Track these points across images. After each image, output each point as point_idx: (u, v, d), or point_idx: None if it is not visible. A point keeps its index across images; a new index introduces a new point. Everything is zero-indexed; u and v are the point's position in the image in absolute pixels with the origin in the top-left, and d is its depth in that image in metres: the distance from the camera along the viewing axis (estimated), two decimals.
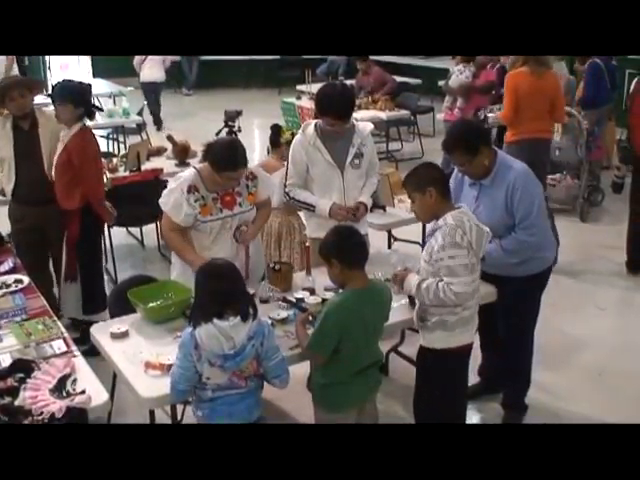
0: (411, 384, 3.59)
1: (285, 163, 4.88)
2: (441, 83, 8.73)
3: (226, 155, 3.66)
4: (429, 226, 3.39)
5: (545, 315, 4.07)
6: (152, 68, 10.93)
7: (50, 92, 4.59)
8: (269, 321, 3.40)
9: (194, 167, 3.87)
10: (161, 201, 3.81)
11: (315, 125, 4.14)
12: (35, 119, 4.65)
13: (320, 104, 4.07)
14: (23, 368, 2.95)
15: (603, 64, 7.86)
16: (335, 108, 3.98)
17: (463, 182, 3.84)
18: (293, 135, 4.99)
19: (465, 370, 3.54)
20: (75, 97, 4.45)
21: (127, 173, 5.95)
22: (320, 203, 4.15)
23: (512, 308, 3.83)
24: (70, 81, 4.64)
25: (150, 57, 10.69)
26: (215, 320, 2.81)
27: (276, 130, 5.09)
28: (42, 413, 2.66)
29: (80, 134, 4.48)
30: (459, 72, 8.10)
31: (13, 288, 3.78)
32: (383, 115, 8.97)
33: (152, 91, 11.11)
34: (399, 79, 10.84)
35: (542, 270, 3.83)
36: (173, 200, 3.74)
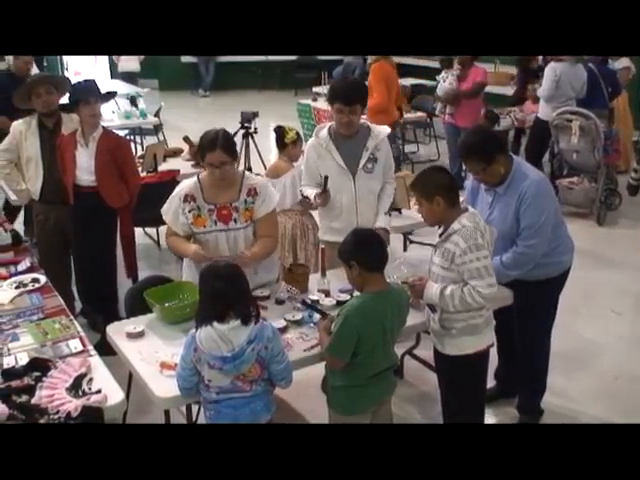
0: (426, 387, 3.59)
1: (294, 164, 4.92)
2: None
3: (207, 138, 3.63)
4: (441, 231, 3.36)
5: (561, 319, 4.04)
6: (129, 60, 12.99)
7: (77, 91, 4.59)
8: (284, 322, 3.41)
9: (197, 175, 3.82)
10: (163, 210, 3.79)
11: (329, 128, 4.14)
12: (60, 118, 4.69)
13: (330, 93, 4.11)
14: (39, 367, 2.97)
15: (596, 68, 7.86)
16: (342, 93, 3.98)
17: (480, 186, 3.82)
18: (298, 134, 5.02)
19: (487, 371, 3.54)
20: (101, 96, 4.52)
21: (144, 174, 5.98)
22: (310, 193, 4.19)
23: (528, 311, 3.82)
24: (93, 80, 4.68)
25: None
26: (215, 323, 2.81)
27: (279, 132, 5.09)
28: (58, 412, 2.68)
29: (109, 133, 4.55)
30: (443, 79, 8.10)
31: (30, 287, 3.80)
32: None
33: (129, 79, 12.37)
34: (415, 81, 10.83)
35: (559, 274, 3.81)
36: (172, 209, 3.73)
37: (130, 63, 13.09)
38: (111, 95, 4.85)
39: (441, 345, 3.41)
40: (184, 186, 3.75)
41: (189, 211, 3.68)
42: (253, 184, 3.76)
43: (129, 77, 12.75)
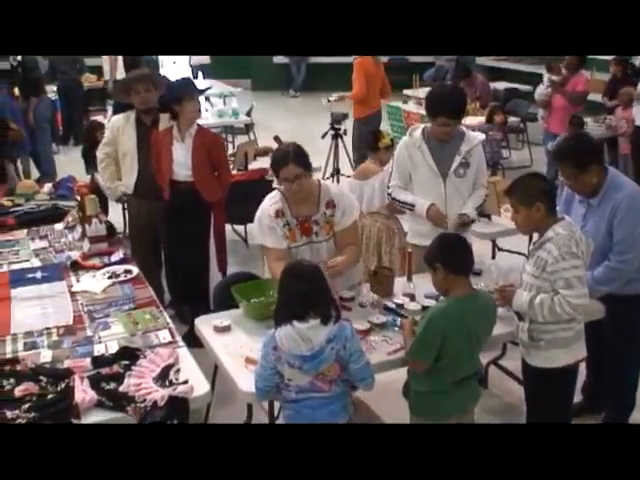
0: (510, 399, 3.51)
1: (384, 168, 4.89)
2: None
3: (279, 153, 3.64)
4: (535, 239, 3.28)
5: None
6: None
7: (179, 88, 4.71)
8: (368, 325, 3.39)
9: (279, 189, 3.76)
10: (254, 235, 3.77)
11: (423, 129, 4.10)
12: (157, 115, 4.82)
13: (431, 104, 4.00)
14: (129, 356, 3.05)
15: None
16: (447, 107, 3.91)
17: (574, 196, 3.72)
18: (392, 141, 4.99)
19: (575, 386, 3.45)
20: (199, 92, 4.65)
21: (234, 172, 6.08)
22: (419, 202, 4.10)
23: (621, 326, 3.68)
24: (189, 78, 4.81)
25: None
26: (294, 322, 2.81)
27: (374, 135, 5.07)
28: (145, 400, 2.74)
29: (204, 130, 4.65)
30: (543, 83, 7.96)
31: (122, 278, 3.92)
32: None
33: (201, 72, 12.04)
34: (509, 85, 10.63)
35: None
36: (266, 228, 3.66)
37: (201, 56, 12.90)
38: (204, 91, 4.95)
39: (529, 356, 3.33)
40: (268, 204, 3.71)
41: (283, 226, 3.66)
42: (331, 196, 3.72)
43: (200, 70, 12.97)
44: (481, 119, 8.57)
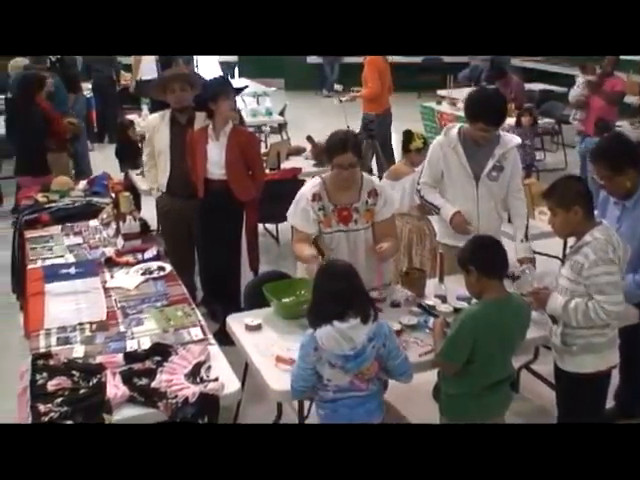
0: (542, 404, 3.47)
1: (415, 169, 4.86)
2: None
3: (336, 139, 3.64)
4: (572, 242, 3.24)
5: None
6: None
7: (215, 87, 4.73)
8: (399, 326, 3.38)
9: (320, 176, 3.84)
10: (289, 214, 3.80)
11: (459, 129, 4.06)
12: (192, 114, 4.85)
13: (471, 110, 3.96)
14: (161, 352, 3.07)
15: None
16: (487, 114, 3.87)
17: (609, 198, 3.67)
18: (424, 142, 4.95)
19: (607, 392, 3.40)
20: (238, 92, 4.66)
21: (267, 171, 6.09)
22: (445, 207, 4.08)
23: None
24: (224, 76, 4.82)
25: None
26: (335, 322, 2.80)
27: (407, 136, 5.05)
28: (176, 397, 2.76)
29: (239, 129, 4.66)
30: (578, 84, 7.85)
31: (155, 275, 3.95)
32: (526, 122, 8.69)
33: (228, 69, 12.60)
34: (544, 87, 10.52)
35: None
36: (300, 210, 3.72)
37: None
38: (240, 90, 4.96)
39: (561, 360, 3.30)
40: (309, 187, 3.77)
41: (318, 210, 3.70)
42: (373, 185, 3.77)
43: (227, 67, 13.01)
44: (511, 121, 8.50)
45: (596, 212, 3.61)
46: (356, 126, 8.14)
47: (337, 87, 8.70)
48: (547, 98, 10.08)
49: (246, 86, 5.09)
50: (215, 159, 4.63)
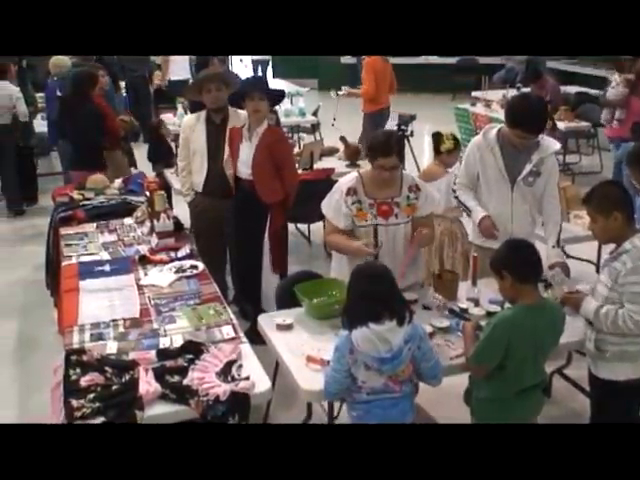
0: (574, 409, 3.43)
1: (448, 170, 4.84)
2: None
3: (379, 141, 3.66)
4: (610, 248, 3.19)
5: None
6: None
7: (243, 86, 4.74)
8: (431, 328, 3.36)
9: (357, 171, 3.88)
10: (323, 204, 3.84)
11: (498, 131, 4.03)
12: (227, 114, 4.87)
13: (512, 116, 3.91)
14: (193, 350, 3.09)
15: None
16: (527, 123, 3.84)
17: None
18: (456, 144, 4.92)
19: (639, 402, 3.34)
20: (270, 92, 4.63)
21: (300, 171, 6.10)
22: (476, 210, 4.09)
23: None
24: (259, 77, 4.81)
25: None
26: (371, 324, 2.79)
27: (436, 138, 5.02)
28: (207, 394, 2.78)
29: (273, 130, 4.64)
30: (615, 82, 7.70)
31: (188, 273, 3.97)
32: (561, 126, 8.62)
33: (260, 66, 12.63)
34: (580, 89, 10.40)
35: None
36: (333, 203, 3.77)
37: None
38: (279, 95, 4.87)
39: (594, 366, 3.26)
40: (345, 181, 3.81)
41: (352, 204, 3.72)
42: (414, 181, 3.84)
43: (259, 64, 13.12)
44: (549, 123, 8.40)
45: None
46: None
47: (344, 88, 8.80)
48: (583, 101, 9.95)
49: (283, 95, 4.99)
50: (244, 158, 4.65)
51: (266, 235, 4.97)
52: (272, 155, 4.62)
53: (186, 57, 10.07)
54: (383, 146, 3.62)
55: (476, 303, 3.63)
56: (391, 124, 7.58)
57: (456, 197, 4.26)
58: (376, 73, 8.15)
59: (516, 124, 3.87)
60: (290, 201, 4.82)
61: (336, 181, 5.10)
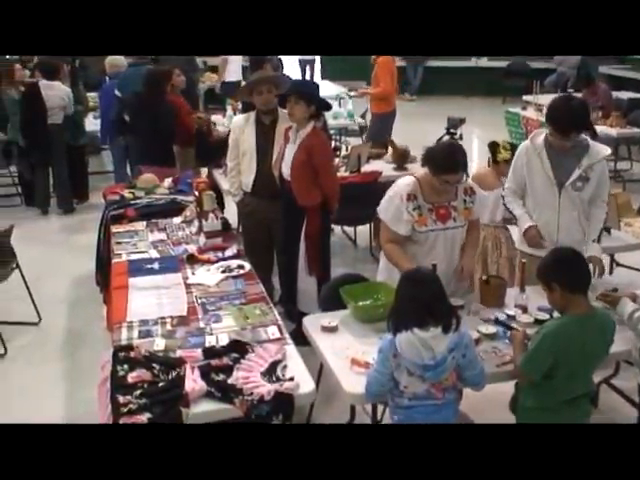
0: (622, 420, 3.35)
1: (502, 178, 4.75)
2: None
3: (445, 157, 3.64)
4: None
5: None
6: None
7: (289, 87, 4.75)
8: (477, 334, 3.33)
9: (414, 175, 3.84)
10: (380, 209, 3.82)
11: (546, 135, 3.98)
12: (276, 116, 4.89)
13: (547, 114, 3.96)
14: (238, 349, 3.11)
15: None
16: (558, 121, 3.82)
17: None
18: (512, 152, 4.83)
19: None
20: (308, 95, 4.60)
21: (347, 173, 6.10)
22: (522, 219, 4.06)
23: None
24: (303, 80, 4.81)
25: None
26: (416, 329, 2.78)
27: (493, 148, 4.91)
28: (252, 394, 2.80)
29: (315, 133, 4.62)
30: None
31: (235, 273, 4.01)
32: (613, 132, 8.47)
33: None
34: (632, 95, 10.21)
35: None
36: (393, 208, 3.73)
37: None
38: (324, 105, 4.76)
39: None
40: (403, 185, 3.77)
41: (413, 209, 3.71)
42: (468, 183, 3.85)
43: (307, 64, 13.29)
44: (601, 129, 8.24)
45: None
46: (439, 129, 8.11)
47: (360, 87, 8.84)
48: (635, 106, 9.75)
49: (329, 106, 4.91)
50: (287, 160, 4.65)
51: None
52: (310, 158, 4.57)
53: (240, 59, 10.16)
54: (450, 164, 3.61)
55: (524, 310, 3.58)
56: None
57: (504, 204, 4.21)
58: (391, 73, 8.15)
59: (546, 120, 3.92)
60: (332, 205, 4.77)
61: (383, 184, 5.11)
